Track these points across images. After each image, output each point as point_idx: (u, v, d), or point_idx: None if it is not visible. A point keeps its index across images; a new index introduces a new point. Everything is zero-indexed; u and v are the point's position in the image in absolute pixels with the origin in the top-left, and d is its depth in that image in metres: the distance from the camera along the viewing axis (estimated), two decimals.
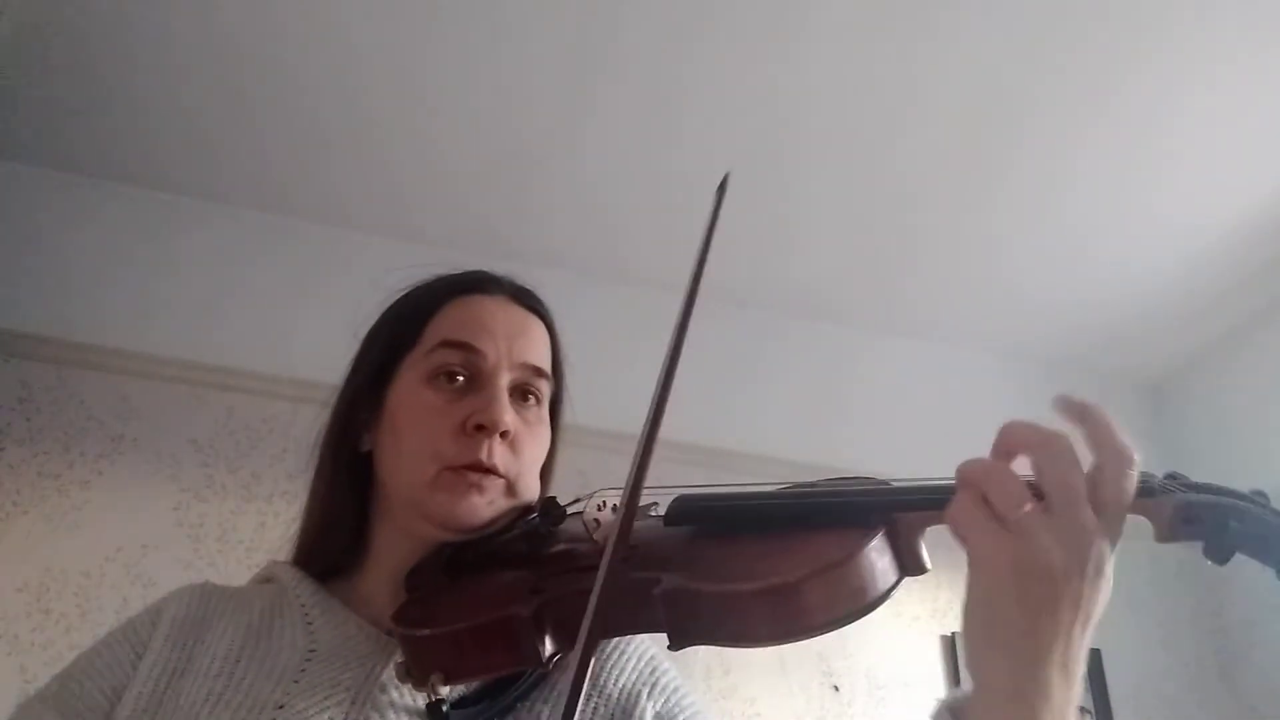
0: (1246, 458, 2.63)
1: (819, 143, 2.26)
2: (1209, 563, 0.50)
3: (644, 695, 0.71)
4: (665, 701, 0.72)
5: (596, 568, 0.59)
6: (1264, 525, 0.50)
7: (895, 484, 0.59)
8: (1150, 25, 1.94)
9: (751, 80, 2.11)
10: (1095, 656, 2.51)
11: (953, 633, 2.42)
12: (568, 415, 0.86)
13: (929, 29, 1.98)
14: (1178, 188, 2.33)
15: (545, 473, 0.81)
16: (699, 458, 2.39)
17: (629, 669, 0.73)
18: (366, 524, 0.79)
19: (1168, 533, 0.51)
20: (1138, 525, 0.52)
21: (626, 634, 0.71)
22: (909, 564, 0.55)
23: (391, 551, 0.76)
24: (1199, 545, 0.51)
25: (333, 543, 0.80)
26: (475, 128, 2.26)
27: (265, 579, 0.81)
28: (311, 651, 0.70)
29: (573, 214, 2.50)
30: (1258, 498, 0.52)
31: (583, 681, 0.48)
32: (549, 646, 0.60)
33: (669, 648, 0.57)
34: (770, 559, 0.55)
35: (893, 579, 0.54)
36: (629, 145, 2.29)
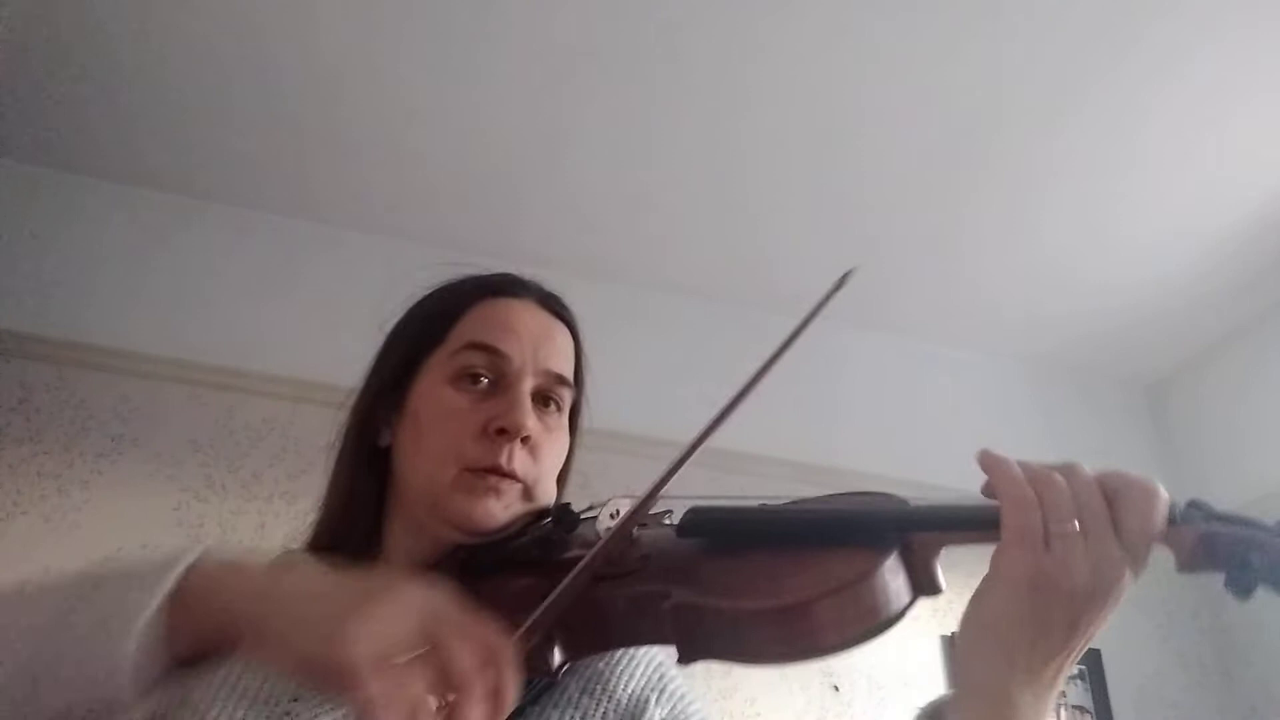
0: (1245, 459, 2.63)
1: (815, 143, 2.26)
2: (1232, 597, 0.50)
3: (652, 701, 0.71)
4: (672, 709, 0.72)
5: (606, 577, 0.60)
6: None
7: (913, 503, 0.59)
8: (1152, 25, 1.94)
9: (737, 81, 2.11)
10: (1095, 656, 2.51)
11: (952, 633, 2.42)
12: None
13: (928, 26, 1.98)
14: (1178, 189, 2.33)
15: (562, 478, 0.82)
16: (699, 457, 2.40)
17: (638, 675, 0.73)
18: (382, 519, 0.79)
19: (1188, 563, 0.52)
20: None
21: (637, 645, 0.70)
22: (924, 585, 0.55)
23: (405, 549, 0.76)
24: (1220, 577, 0.51)
25: (349, 534, 0.80)
26: (475, 128, 2.26)
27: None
28: None
29: (559, 213, 2.50)
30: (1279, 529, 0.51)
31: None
32: (558, 656, 0.60)
33: (679, 662, 0.57)
34: (783, 577, 0.55)
35: (906, 600, 0.54)
36: (610, 144, 2.29)
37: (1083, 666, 2.49)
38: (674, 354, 2.63)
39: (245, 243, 2.47)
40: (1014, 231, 2.50)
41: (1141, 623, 2.61)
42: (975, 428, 2.72)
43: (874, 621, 0.52)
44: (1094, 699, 2.46)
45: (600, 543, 0.60)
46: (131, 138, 2.32)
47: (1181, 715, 2.53)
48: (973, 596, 0.52)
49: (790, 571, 0.55)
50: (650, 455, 2.23)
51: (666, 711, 0.72)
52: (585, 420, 0.86)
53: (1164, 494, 0.51)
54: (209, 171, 2.41)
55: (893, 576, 0.53)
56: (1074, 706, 2.45)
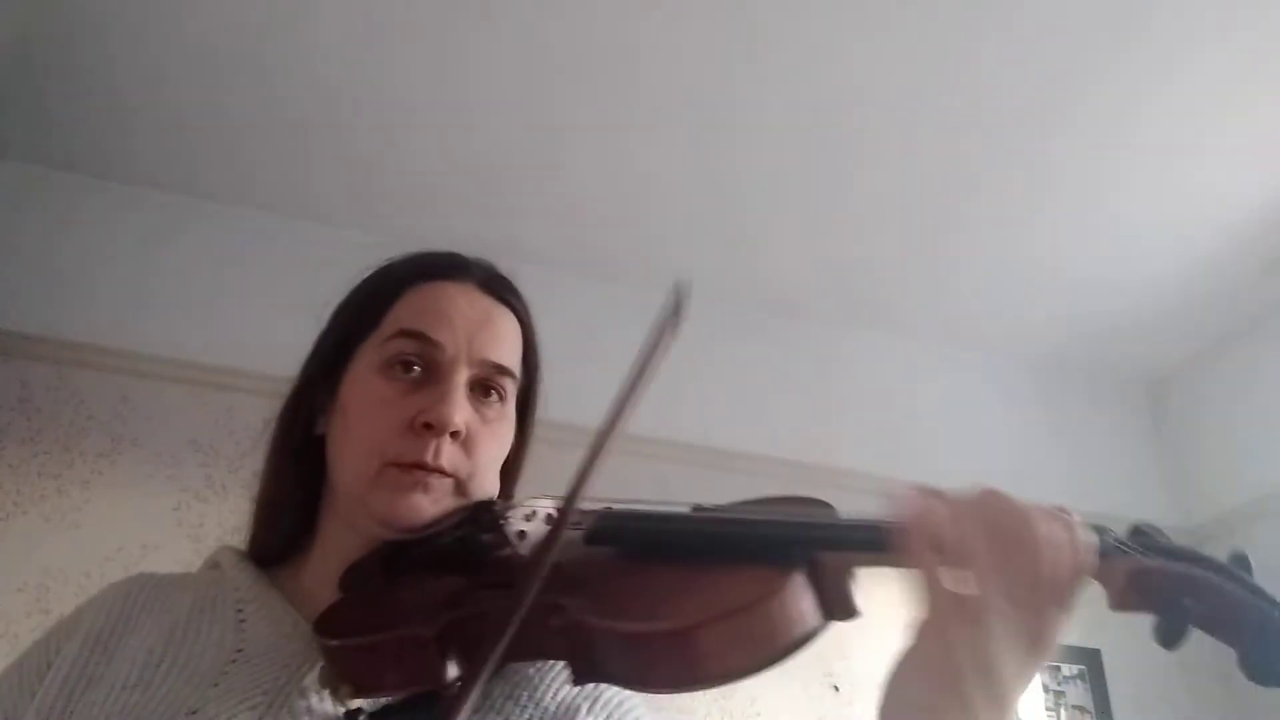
0: (1246, 457, 2.63)
1: (812, 141, 2.26)
2: (1159, 646, 0.45)
3: (583, 710, 0.67)
4: (607, 717, 0.67)
5: (509, 586, 0.55)
6: (1228, 602, 0.44)
7: (841, 516, 0.54)
8: (1152, 23, 1.94)
9: (726, 78, 2.11)
10: (1095, 656, 2.51)
11: None
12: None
13: (922, 31, 1.98)
14: (1178, 187, 2.33)
15: (510, 471, 0.77)
16: (695, 457, 2.40)
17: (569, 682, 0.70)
18: (318, 511, 0.76)
19: (1118, 601, 0.47)
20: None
21: (531, 660, 0.65)
22: (835, 608, 0.50)
23: (337, 544, 0.72)
24: (1150, 621, 0.45)
25: (278, 528, 0.77)
26: (472, 126, 2.26)
27: (213, 564, 0.78)
28: (238, 652, 0.66)
29: (551, 209, 2.49)
30: (1235, 566, 0.45)
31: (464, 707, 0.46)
32: (451, 669, 0.56)
33: (572, 683, 0.54)
34: (676, 598, 0.51)
35: (813, 624, 0.49)
36: (604, 142, 2.29)
37: (1082, 666, 2.49)
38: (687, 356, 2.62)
39: (246, 243, 2.47)
40: (1014, 230, 2.50)
41: (1142, 623, 2.59)
42: (976, 427, 2.72)
43: (773, 648, 0.48)
44: (1094, 699, 2.46)
45: (535, 558, 0.55)
46: (132, 138, 2.32)
47: (1181, 715, 2.53)
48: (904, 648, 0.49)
49: (685, 592, 0.51)
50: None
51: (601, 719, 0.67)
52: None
53: (1078, 526, 0.46)
54: (210, 172, 2.41)
55: (795, 600, 0.49)
56: (1074, 706, 2.44)
